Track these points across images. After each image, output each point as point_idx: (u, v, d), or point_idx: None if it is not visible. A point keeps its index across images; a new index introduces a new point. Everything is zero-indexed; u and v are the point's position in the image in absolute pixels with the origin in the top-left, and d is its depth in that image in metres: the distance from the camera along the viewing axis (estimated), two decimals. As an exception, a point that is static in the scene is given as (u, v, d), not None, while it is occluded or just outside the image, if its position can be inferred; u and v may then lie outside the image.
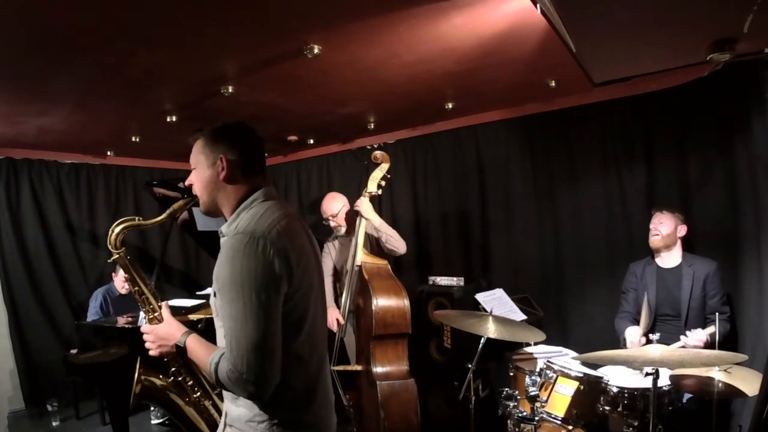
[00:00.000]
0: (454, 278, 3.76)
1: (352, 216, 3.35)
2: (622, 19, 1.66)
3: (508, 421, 2.50)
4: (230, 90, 2.88)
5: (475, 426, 2.61)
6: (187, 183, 1.46)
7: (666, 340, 2.51)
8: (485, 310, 3.05)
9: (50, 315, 4.36)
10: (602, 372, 2.46)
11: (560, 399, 2.42)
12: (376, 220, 3.24)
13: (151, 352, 1.48)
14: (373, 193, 3.23)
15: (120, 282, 4.02)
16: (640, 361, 1.99)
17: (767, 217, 2.56)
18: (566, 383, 2.41)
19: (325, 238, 3.62)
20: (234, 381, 1.21)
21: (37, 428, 4.01)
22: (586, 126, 3.55)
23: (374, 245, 3.34)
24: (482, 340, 2.51)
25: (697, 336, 2.56)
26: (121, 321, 3.33)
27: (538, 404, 2.40)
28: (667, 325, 2.85)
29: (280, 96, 3.20)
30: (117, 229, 1.57)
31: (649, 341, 2.10)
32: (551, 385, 2.44)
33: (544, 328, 2.89)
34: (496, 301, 3.28)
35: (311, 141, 4.64)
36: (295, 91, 3.13)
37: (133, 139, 4.02)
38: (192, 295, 4.17)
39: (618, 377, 2.37)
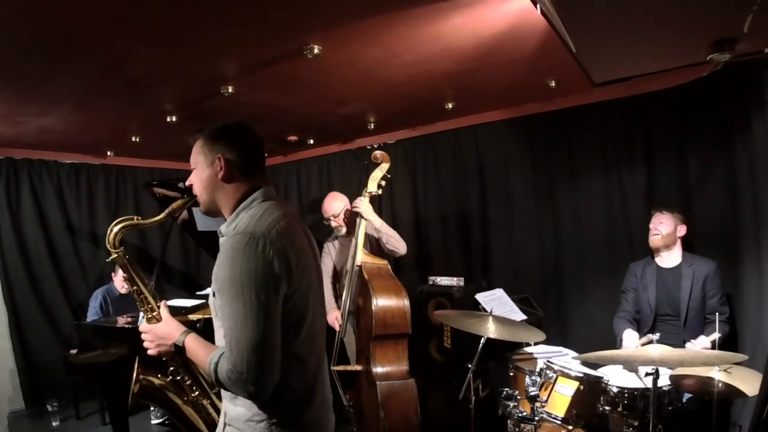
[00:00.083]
0: (454, 278, 3.76)
1: (353, 216, 3.35)
2: (622, 19, 1.66)
3: (508, 421, 2.50)
4: (230, 90, 2.88)
5: (475, 426, 2.61)
6: (187, 183, 1.46)
7: (666, 340, 2.52)
8: (485, 310, 3.05)
9: (50, 315, 4.36)
10: (602, 372, 2.46)
11: (560, 399, 2.42)
12: (377, 221, 3.23)
13: (150, 352, 1.48)
14: (373, 193, 3.23)
15: (120, 282, 4.00)
16: (640, 361, 1.99)
17: (767, 217, 2.56)
18: (566, 383, 2.41)
19: (325, 238, 3.62)
20: (234, 381, 1.21)
21: (37, 428, 4.01)
22: (586, 126, 3.55)
23: (374, 245, 3.34)
24: (482, 340, 2.51)
25: (701, 344, 2.59)
26: (121, 321, 3.33)
27: (538, 404, 2.40)
28: (666, 325, 2.86)
29: (280, 96, 3.20)
30: (115, 229, 1.57)
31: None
32: (551, 385, 2.44)
33: (544, 328, 2.88)
34: (496, 301, 3.28)
35: (311, 141, 4.64)
36: (295, 91, 3.13)
37: (133, 139, 4.02)
38: (192, 295, 4.16)
39: (618, 377, 2.37)
